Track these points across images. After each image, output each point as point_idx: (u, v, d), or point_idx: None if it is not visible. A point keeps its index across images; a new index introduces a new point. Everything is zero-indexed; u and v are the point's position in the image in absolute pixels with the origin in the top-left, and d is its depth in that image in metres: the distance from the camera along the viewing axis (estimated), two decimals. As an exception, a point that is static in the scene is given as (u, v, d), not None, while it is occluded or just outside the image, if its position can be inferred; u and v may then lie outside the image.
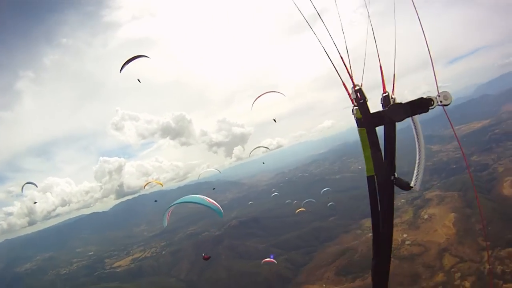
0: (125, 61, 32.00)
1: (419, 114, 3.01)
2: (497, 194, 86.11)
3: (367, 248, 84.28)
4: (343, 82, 3.25)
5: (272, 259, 54.90)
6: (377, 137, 3.11)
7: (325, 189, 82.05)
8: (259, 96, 39.79)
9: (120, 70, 32.42)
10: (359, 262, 79.65)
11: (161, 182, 53.90)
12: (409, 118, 3.06)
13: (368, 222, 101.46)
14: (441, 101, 2.92)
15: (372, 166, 3.14)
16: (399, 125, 3.22)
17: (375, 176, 3.19)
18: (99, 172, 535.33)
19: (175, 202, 24.15)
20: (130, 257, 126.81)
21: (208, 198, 23.30)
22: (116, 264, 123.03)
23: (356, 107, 3.14)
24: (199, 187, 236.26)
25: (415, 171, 3.06)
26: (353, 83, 3.18)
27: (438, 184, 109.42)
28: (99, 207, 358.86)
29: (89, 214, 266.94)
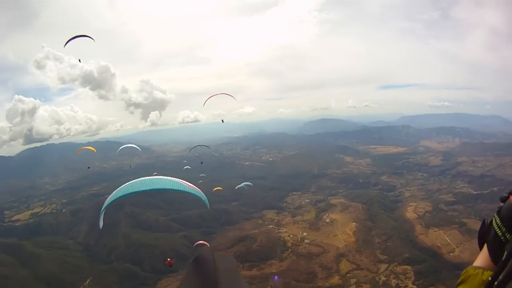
0: (69, 38, 33.51)
1: None
2: (400, 215, 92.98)
3: (267, 238, 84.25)
4: None
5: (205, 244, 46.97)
6: None
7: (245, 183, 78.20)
8: (211, 96, 41.32)
9: (64, 45, 33.86)
10: (257, 251, 78.77)
11: (93, 148, 58.69)
12: None
13: (270, 214, 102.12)
14: None
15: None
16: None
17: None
18: (12, 111, 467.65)
19: (127, 192, 14.56)
20: (30, 211, 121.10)
21: (185, 182, 14.37)
22: (15, 218, 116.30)
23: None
24: (110, 146, 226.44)
25: None
26: None
27: (344, 192, 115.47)
28: (5, 151, 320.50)
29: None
